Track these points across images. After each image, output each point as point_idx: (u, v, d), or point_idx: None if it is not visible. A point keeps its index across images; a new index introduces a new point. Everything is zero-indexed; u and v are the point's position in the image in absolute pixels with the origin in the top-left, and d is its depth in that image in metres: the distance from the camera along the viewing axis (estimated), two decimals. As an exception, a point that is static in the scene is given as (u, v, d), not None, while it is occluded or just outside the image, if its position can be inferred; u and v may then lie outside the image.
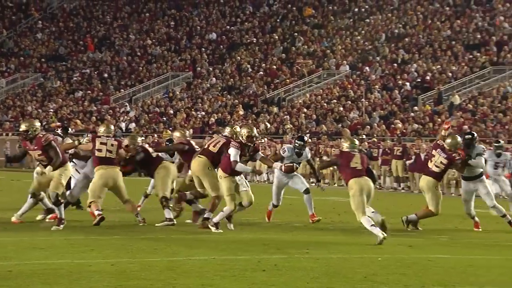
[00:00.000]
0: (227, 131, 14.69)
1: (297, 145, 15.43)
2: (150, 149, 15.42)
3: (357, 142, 13.36)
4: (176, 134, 15.75)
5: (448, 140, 14.97)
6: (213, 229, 13.22)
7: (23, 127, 13.37)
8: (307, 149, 15.79)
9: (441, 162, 14.63)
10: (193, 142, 15.44)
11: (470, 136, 15.33)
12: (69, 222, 14.02)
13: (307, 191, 15.52)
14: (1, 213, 15.04)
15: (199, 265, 9.42)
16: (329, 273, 9.06)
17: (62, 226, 13.17)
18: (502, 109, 33.82)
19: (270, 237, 12.71)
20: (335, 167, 16.22)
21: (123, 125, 41.44)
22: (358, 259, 10.34)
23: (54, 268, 8.94)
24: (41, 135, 13.21)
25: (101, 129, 14.54)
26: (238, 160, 13.35)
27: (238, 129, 14.33)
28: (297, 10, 49.36)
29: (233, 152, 13.37)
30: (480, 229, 14.82)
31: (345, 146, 13.06)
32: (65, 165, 13.32)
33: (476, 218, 14.99)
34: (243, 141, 13.64)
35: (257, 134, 13.93)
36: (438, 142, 15.24)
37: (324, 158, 30.22)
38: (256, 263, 9.66)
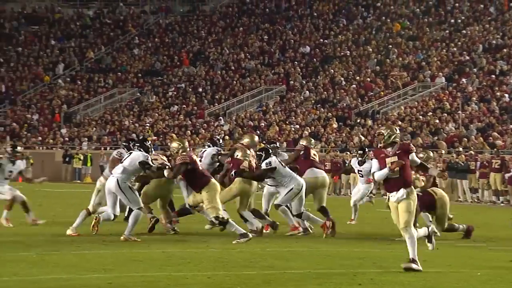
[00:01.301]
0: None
1: None
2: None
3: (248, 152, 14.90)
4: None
5: None
6: None
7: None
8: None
9: None
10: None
11: None
12: (165, 235, 14.23)
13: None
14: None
15: (295, 278, 9.39)
16: (427, 288, 8.91)
17: (244, 239, 13.23)
18: None
19: (366, 250, 12.59)
20: None
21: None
22: (456, 274, 10.14)
23: (152, 280, 9.06)
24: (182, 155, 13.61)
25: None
26: None
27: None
28: (391, 22, 48.96)
29: None
30: None
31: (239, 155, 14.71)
32: (208, 184, 13.53)
33: None
34: None
35: None
36: None
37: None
38: (352, 277, 9.58)
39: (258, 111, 45.16)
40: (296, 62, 48.60)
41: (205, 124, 44.37)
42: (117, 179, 13.38)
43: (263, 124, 42.97)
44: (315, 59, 48.51)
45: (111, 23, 58.35)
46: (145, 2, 60.28)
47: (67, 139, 46.07)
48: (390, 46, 46.74)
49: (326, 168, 33.65)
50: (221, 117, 45.25)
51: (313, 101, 44.20)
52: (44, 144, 45.86)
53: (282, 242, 13.66)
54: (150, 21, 58.52)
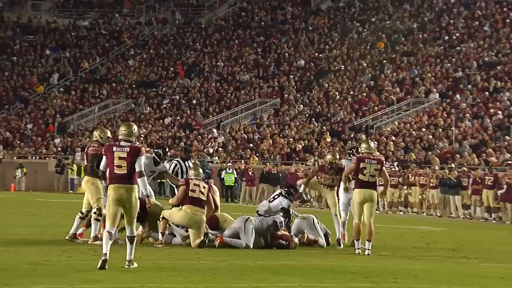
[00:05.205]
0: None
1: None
2: None
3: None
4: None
5: (363, 145, 14.71)
6: None
7: None
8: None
9: (374, 170, 14.37)
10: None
11: None
12: (157, 247, 14.21)
13: None
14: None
15: (285, 292, 9.39)
16: (418, 304, 8.91)
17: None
18: None
19: (357, 265, 12.58)
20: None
21: (210, 150, 41.90)
22: (447, 290, 10.14)
23: (142, 291, 9.04)
24: None
25: (191, 173, 14.93)
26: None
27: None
28: (387, 37, 49.08)
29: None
30: None
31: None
32: None
33: None
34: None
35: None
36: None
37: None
38: (343, 291, 9.57)
39: (252, 124, 45.19)
40: (290, 76, 48.68)
41: (199, 136, 44.36)
42: None
43: (257, 137, 42.99)
44: (309, 73, 48.61)
45: (106, 34, 58.42)
46: (140, 14, 60.38)
47: (60, 149, 46.02)
48: (385, 61, 46.87)
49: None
50: (214, 129, 45.29)
51: (307, 115, 44.25)
52: (37, 154, 45.81)
53: (273, 255, 13.65)
54: (145, 32, 58.60)
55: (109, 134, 15.04)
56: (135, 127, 11.55)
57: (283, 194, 15.89)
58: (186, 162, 16.01)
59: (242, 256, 13.32)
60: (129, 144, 11.32)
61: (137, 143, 11.84)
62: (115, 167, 11.20)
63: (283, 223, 15.02)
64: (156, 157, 15.29)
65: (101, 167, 11.57)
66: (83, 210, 14.79)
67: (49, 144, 46.75)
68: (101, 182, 13.89)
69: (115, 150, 11.26)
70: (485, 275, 11.92)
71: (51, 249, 13.24)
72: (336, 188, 15.92)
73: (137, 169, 11.18)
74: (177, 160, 16.20)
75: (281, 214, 15.25)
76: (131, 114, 49.13)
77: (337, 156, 16.15)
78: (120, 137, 11.44)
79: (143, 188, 11.39)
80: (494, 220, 28.17)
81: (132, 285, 9.45)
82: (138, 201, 11.35)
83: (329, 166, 15.85)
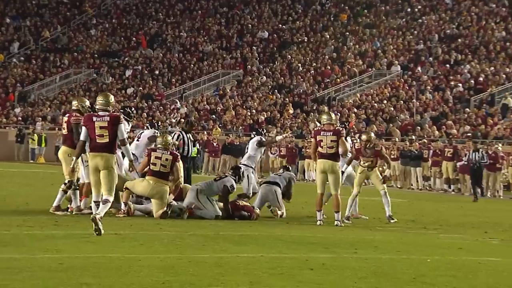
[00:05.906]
0: None
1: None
2: None
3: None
4: None
5: (324, 117, 14.78)
6: None
7: None
8: None
9: (331, 141, 14.41)
10: None
11: None
12: (119, 217, 14.20)
13: None
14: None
15: (246, 262, 9.43)
16: (378, 273, 9.01)
17: None
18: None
19: (318, 235, 12.69)
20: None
21: (172, 121, 41.77)
22: (406, 260, 10.27)
23: (104, 261, 9.03)
24: None
25: (158, 140, 14.81)
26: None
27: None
28: (350, 9, 49.15)
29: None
30: None
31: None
32: None
33: None
34: None
35: None
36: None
37: None
38: (304, 261, 9.64)
39: (215, 95, 45.10)
40: (253, 47, 48.60)
41: (161, 107, 44.18)
42: None
43: (219, 108, 42.93)
44: (272, 45, 48.55)
45: (68, 3, 57.76)
46: (102, -18, 59.75)
47: (20, 118, 45.57)
48: (347, 33, 46.95)
49: (281, 153, 33.84)
50: (177, 100, 45.14)
51: (270, 86, 44.27)
52: (-3, 123, 45.37)
53: (235, 226, 13.71)
54: (107, 1, 58.02)
55: (87, 103, 14.65)
56: (111, 97, 11.87)
57: (230, 174, 15.55)
58: (188, 134, 16.11)
59: (204, 226, 13.35)
60: (108, 113, 11.59)
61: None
62: (97, 137, 11.47)
63: (234, 185, 15.00)
64: (126, 116, 15.09)
65: (82, 136, 11.68)
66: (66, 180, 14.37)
67: (9, 113, 46.27)
68: (68, 155, 13.72)
69: (95, 120, 11.53)
70: (444, 245, 12.09)
71: (11, 218, 13.15)
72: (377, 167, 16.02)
73: (120, 137, 11.52)
74: (180, 131, 16.35)
75: (231, 173, 15.27)
76: (93, 84, 48.74)
77: (372, 136, 16.13)
78: (97, 107, 11.73)
79: (127, 155, 11.94)
80: (453, 191, 28.52)
81: (93, 255, 9.44)
82: (116, 171, 11.46)
83: (365, 147, 15.71)
